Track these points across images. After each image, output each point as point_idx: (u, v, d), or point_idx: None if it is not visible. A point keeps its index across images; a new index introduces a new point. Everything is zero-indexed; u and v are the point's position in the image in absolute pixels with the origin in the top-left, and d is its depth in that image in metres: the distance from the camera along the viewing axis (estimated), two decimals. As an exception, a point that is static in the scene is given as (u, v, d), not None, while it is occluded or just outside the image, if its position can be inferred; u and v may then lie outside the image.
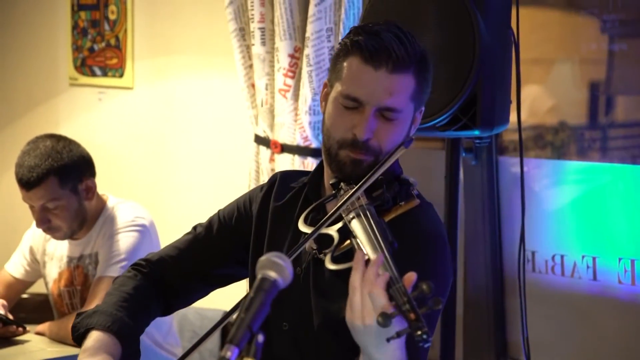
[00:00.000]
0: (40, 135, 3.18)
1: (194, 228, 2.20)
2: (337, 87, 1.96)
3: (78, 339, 2.03)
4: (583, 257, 3.14)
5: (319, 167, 2.09)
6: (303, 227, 1.93)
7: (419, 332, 1.56)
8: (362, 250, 1.76)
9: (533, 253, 3.24)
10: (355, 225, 1.82)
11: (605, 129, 3.20)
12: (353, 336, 1.72)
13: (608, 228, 3.10)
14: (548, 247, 3.21)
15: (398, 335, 1.59)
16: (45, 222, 3.10)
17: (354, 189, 1.88)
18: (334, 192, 1.97)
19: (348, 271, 1.76)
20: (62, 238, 3.19)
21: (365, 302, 1.67)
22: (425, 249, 1.94)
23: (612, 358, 3.14)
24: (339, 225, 1.87)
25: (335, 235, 1.86)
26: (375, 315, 1.62)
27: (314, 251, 1.94)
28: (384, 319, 1.58)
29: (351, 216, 1.84)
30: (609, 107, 3.22)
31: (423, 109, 2.02)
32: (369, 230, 1.78)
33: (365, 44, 1.92)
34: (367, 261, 1.72)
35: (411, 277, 1.65)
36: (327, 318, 1.96)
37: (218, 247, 2.15)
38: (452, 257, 2.54)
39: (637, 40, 3.16)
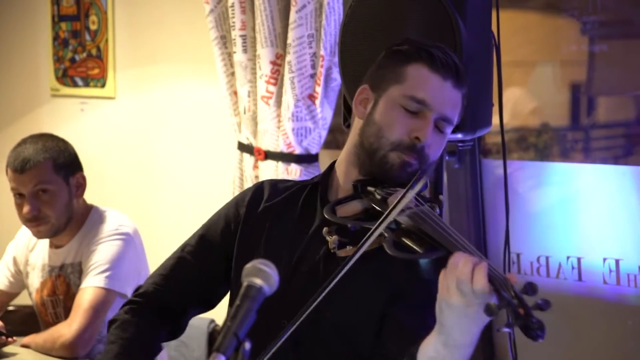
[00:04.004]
0: (36, 133, 3.21)
1: (182, 249, 2.18)
2: (397, 90, 1.98)
3: None
4: (568, 258, 3.15)
5: (328, 170, 2.10)
6: (330, 216, 1.90)
7: (535, 326, 1.63)
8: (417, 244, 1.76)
9: (518, 255, 3.24)
10: (421, 224, 1.77)
11: (587, 130, 3.21)
12: (444, 316, 1.66)
13: (592, 229, 3.11)
14: (533, 248, 3.22)
15: (508, 325, 1.60)
16: (34, 209, 3.08)
17: (405, 189, 1.83)
18: (353, 193, 1.97)
19: (362, 273, 1.79)
20: (48, 233, 3.14)
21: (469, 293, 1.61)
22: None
23: (598, 358, 3.15)
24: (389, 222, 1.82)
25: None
26: (477, 303, 1.60)
27: (333, 247, 1.89)
28: (491, 310, 1.57)
29: (407, 216, 1.80)
30: (591, 108, 3.23)
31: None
32: (441, 228, 1.75)
33: (436, 53, 1.97)
34: (444, 257, 1.68)
35: (513, 278, 1.63)
36: (333, 318, 1.94)
37: (210, 270, 2.15)
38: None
39: (617, 41, 3.18)
